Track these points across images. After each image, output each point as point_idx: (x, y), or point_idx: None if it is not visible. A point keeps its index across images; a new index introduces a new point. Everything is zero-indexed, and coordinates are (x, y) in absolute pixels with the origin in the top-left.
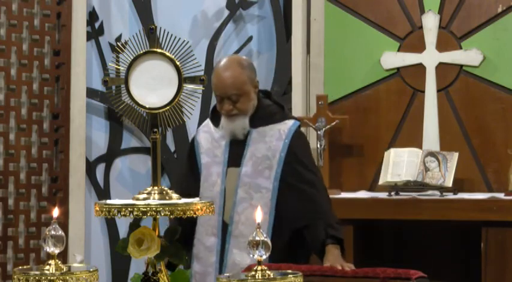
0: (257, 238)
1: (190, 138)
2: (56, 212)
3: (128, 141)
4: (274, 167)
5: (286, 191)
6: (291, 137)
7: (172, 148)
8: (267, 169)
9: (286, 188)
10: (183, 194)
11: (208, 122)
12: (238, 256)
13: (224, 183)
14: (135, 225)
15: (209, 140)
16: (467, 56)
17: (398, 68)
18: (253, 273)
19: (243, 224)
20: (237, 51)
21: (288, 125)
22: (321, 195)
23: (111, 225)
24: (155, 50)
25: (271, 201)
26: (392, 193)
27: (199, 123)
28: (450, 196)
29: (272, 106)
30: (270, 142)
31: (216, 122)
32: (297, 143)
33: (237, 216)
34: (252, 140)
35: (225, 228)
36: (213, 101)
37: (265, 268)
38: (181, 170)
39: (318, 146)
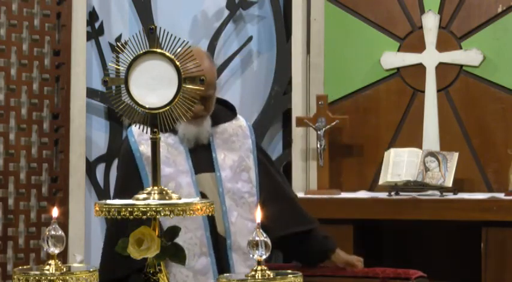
0: (257, 238)
1: None
2: (55, 212)
3: None
4: (252, 168)
5: (266, 195)
6: (253, 132)
7: None
8: (244, 171)
9: (265, 193)
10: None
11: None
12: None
13: (198, 193)
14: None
15: (162, 146)
16: (467, 56)
17: (398, 68)
18: (253, 273)
19: (239, 235)
20: (237, 51)
21: (243, 121)
22: (295, 196)
23: None
24: (155, 50)
25: (257, 208)
26: (392, 193)
27: None
28: (450, 196)
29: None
30: (239, 141)
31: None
32: (256, 139)
33: (232, 227)
34: (217, 141)
35: (219, 243)
36: None
37: (265, 268)
38: (122, 191)
39: (318, 146)
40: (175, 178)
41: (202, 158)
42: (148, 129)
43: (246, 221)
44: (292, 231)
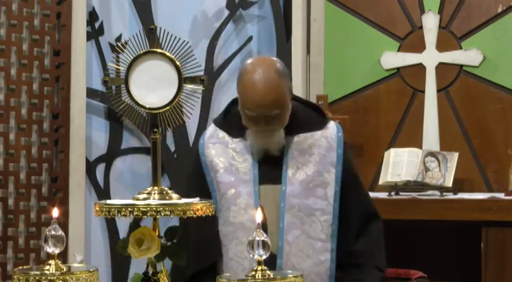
0: (257, 238)
1: (190, 139)
2: (55, 212)
3: (128, 141)
4: (331, 184)
5: (344, 216)
6: (342, 145)
7: (172, 148)
8: (320, 187)
9: (344, 213)
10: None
11: (215, 130)
12: None
13: (258, 204)
14: (135, 225)
15: (226, 153)
16: (467, 56)
17: (398, 68)
18: (253, 273)
19: (295, 256)
20: (237, 51)
21: (333, 131)
22: (377, 229)
23: (111, 225)
24: (155, 50)
25: (332, 227)
26: (392, 193)
27: (199, 123)
28: (450, 196)
29: (303, 107)
30: (319, 153)
31: (232, 131)
32: (349, 154)
33: (287, 246)
34: (291, 152)
35: (270, 261)
36: (214, 105)
37: (265, 268)
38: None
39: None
40: (236, 187)
41: (271, 168)
42: (216, 132)
43: (313, 240)
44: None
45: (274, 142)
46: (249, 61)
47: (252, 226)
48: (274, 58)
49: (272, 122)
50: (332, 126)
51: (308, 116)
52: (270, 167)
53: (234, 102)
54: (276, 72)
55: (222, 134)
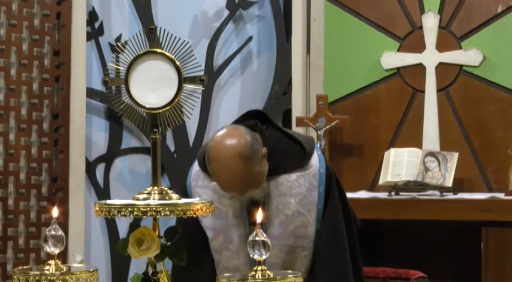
0: (257, 238)
1: (190, 139)
2: (55, 212)
3: (128, 141)
4: (311, 223)
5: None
6: (324, 183)
7: (172, 148)
8: (301, 227)
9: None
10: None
11: (199, 171)
12: None
13: None
14: (135, 225)
15: (212, 197)
16: (467, 56)
17: (398, 68)
18: (253, 273)
19: None
20: (237, 51)
21: (315, 168)
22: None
23: (111, 225)
24: (155, 50)
25: (312, 262)
26: (392, 193)
27: (199, 124)
28: (450, 196)
29: (282, 142)
30: (300, 194)
31: None
32: (332, 190)
33: None
34: (273, 193)
35: None
36: (214, 105)
37: (265, 268)
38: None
39: (318, 146)
40: (226, 232)
41: (256, 206)
42: (201, 174)
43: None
44: None
45: (256, 194)
46: (214, 141)
47: (247, 270)
48: (240, 131)
49: (248, 193)
50: (314, 162)
51: (289, 153)
52: (257, 207)
53: None
54: (240, 157)
55: (205, 175)
